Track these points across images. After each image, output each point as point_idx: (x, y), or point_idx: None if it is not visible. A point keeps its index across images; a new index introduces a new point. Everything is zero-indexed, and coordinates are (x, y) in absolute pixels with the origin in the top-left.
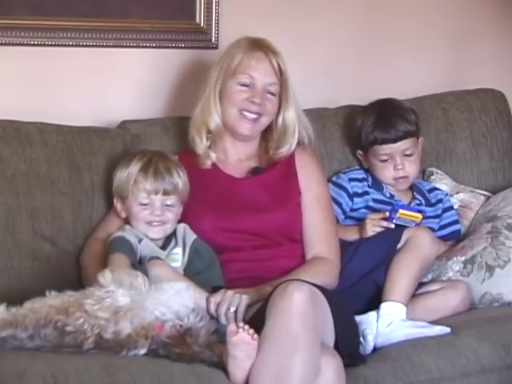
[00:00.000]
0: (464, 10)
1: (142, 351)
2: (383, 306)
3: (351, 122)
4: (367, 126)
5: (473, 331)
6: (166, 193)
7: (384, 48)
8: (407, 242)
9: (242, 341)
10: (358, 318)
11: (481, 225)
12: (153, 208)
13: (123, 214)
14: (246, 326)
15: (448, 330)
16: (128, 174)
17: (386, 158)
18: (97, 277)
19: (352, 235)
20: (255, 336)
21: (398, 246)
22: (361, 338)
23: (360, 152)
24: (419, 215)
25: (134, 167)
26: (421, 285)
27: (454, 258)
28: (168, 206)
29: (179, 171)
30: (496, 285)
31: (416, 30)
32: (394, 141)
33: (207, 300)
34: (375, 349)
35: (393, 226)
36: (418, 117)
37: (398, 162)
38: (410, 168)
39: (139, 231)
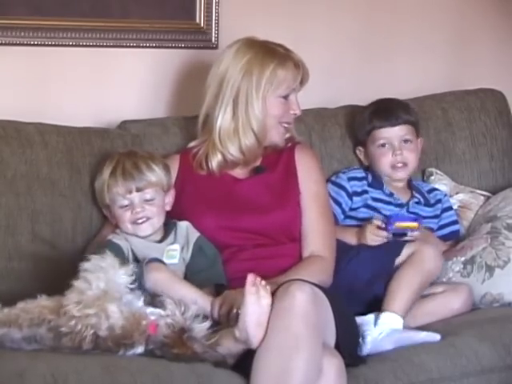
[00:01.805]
0: (464, 10)
1: (140, 350)
2: (383, 315)
3: (352, 121)
4: (366, 116)
5: (473, 331)
6: (139, 189)
7: (384, 47)
8: (410, 256)
9: (257, 291)
10: (357, 319)
11: (480, 225)
12: (133, 206)
13: (114, 221)
14: (263, 282)
15: (437, 337)
16: (102, 182)
17: (384, 142)
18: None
19: (350, 238)
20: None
21: (402, 259)
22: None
23: (360, 148)
24: (416, 224)
25: (105, 174)
26: None
27: (454, 259)
28: (148, 200)
29: (150, 164)
30: (496, 285)
31: (416, 30)
32: (393, 124)
33: (212, 304)
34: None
35: (390, 237)
36: (418, 117)
37: (396, 147)
38: (409, 156)
39: (127, 234)
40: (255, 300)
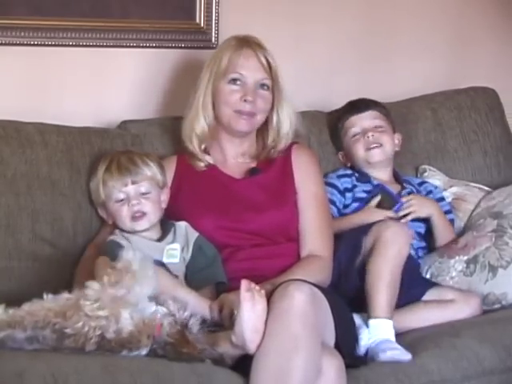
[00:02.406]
0: (464, 10)
1: (144, 351)
2: (371, 323)
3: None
4: (337, 114)
5: (474, 333)
6: (134, 182)
7: (384, 48)
8: (375, 246)
9: (252, 297)
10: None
11: (484, 220)
12: (129, 199)
13: (110, 221)
14: (257, 287)
15: (407, 357)
16: (97, 179)
17: (356, 130)
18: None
19: (357, 220)
20: (262, 292)
21: (368, 245)
22: None
23: (341, 152)
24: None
25: (99, 172)
26: (434, 286)
27: (457, 257)
28: (144, 194)
29: (146, 160)
30: (499, 285)
31: (416, 31)
32: (361, 111)
33: (210, 308)
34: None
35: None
36: (390, 113)
37: (368, 130)
38: (382, 137)
39: (126, 233)
40: (250, 306)
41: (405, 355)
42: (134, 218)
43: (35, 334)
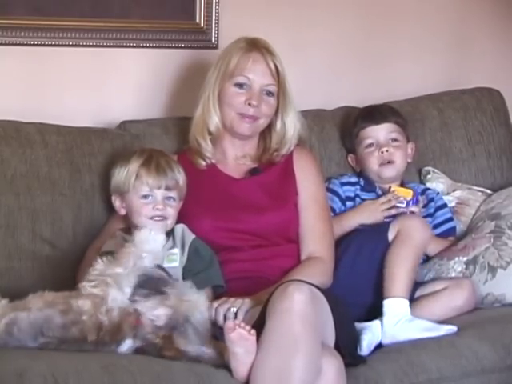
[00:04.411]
0: (463, 13)
1: (128, 342)
2: (386, 303)
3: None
4: (353, 120)
5: (473, 331)
6: (167, 188)
7: (383, 50)
8: (398, 233)
9: (239, 337)
10: (359, 325)
11: (483, 222)
12: (155, 202)
13: (122, 211)
14: (242, 323)
15: (454, 328)
16: (128, 170)
17: (370, 141)
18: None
19: (351, 221)
20: (252, 331)
21: (392, 236)
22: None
23: (351, 155)
24: (410, 191)
25: (135, 163)
26: (424, 284)
27: (456, 259)
28: (169, 200)
29: (179, 168)
30: (498, 286)
31: (415, 33)
32: (378, 122)
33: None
34: (379, 346)
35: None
36: (407, 122)
37: (382, 144)
38: (396, 153)
39: (128, 236)
40: (238, 343)
41: (452, 327)
42: (154, 220)
43: (41, 316)
